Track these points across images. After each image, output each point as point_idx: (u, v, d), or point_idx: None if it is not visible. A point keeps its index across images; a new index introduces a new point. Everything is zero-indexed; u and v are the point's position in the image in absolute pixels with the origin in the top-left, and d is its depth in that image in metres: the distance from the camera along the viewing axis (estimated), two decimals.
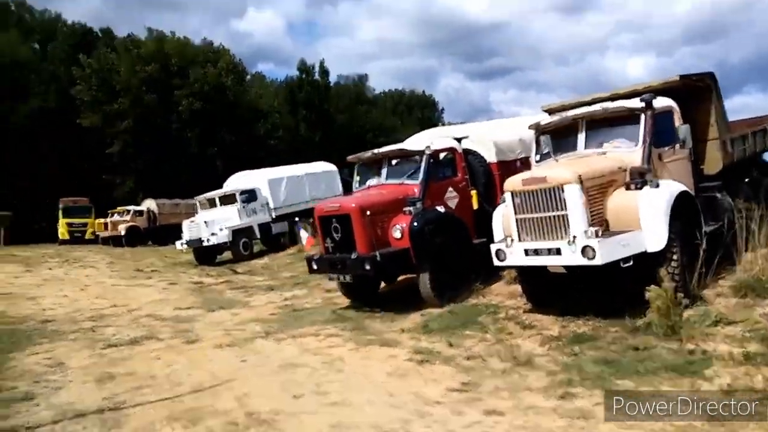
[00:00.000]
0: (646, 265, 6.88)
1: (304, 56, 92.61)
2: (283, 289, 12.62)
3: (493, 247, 7.60)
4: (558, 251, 6.91)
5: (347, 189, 11.13)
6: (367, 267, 8.66)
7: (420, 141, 10.73)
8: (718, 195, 8.32)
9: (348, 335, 8.04)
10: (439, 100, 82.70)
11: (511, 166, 10.62)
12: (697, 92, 8.25)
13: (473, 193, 10.17)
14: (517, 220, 7.36)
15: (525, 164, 12.14)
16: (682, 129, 7.60)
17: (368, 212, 8.96)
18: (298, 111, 47.86)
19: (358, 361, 6.77)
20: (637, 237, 6.79)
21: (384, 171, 10.26)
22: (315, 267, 9.62)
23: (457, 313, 8.50)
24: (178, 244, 20.21)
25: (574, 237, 6.75)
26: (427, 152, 9.71)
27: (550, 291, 8.18)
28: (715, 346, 5.90)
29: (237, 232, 19.33)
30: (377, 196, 9.56)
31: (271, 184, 20.39)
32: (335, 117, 51.57)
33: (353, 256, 8.83)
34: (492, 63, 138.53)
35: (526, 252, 7.21)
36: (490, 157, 10.72)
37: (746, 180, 9.56)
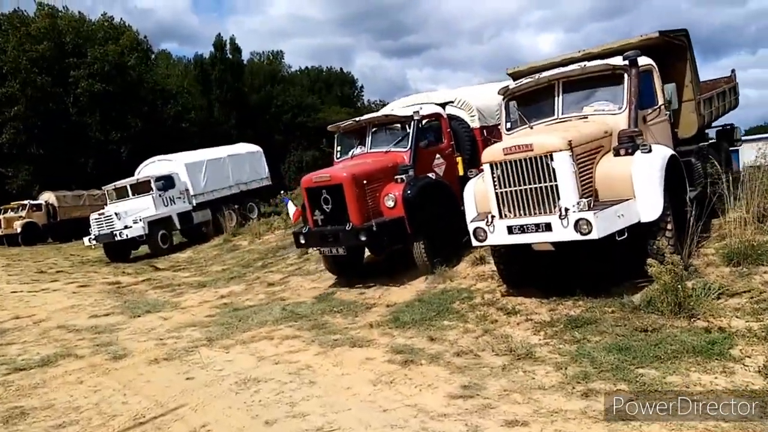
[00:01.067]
0: (635, 236, 6.27)
1: (211, 33, 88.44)
2: (217, 285, 11.28)
3: (471, 226, 6.76)
4: (548, 227, 6.16)
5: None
6: (363, 238, 8.34)
7: (401, 107, 10.31)
8: (693, 159, 7.88)
9: (308, 336, 6.98)
10: (357, 77, 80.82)
11: (494, 131, 10.47)
12: (672, 50, 7.72)
13: (458, 159, 9.87)
14: (498, 194, 6.54)
15: None
16: (668, 88, 7.03)
17: (362, 181, 8.62)
18: (212, 91, 45.13)
19: (331, 368, 5.73)
20: (632, 206, 6.15)
21: (368, 139, 9.87)
22: (303, 241, 9.13)
23: (426, 301, 7.64)
24: (86, 239, 18.12)
25: (566, 210, 6.02)
26: (416, 118, 9.33)
27: (527, 270, 7.49)
28: (728, 322, 5.37)
29: (154, 224, 17.54)
30: (368, 165, 9.10)
31: (189, 168, 18.64)
32: (250, 96, 49.24)
33: (347, 227, 8.43)
34: (407, 40, 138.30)
35: (510, 229, 6.42)
36: (473, 122, 10.57)
37: (708, 144, 9.24)
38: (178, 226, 18.24)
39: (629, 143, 6.43)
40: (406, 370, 5.46)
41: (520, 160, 6.27)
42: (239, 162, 20.45)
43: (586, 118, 6.97)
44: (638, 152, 6.30)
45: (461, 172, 9.70)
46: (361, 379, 5.33)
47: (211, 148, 21.92)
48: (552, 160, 6.11)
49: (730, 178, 8.14)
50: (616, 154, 6.44)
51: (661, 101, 7.25)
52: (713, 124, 10.01)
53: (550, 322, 6.15)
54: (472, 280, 8.29)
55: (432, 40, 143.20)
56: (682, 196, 6.88)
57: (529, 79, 7.58)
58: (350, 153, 10.13)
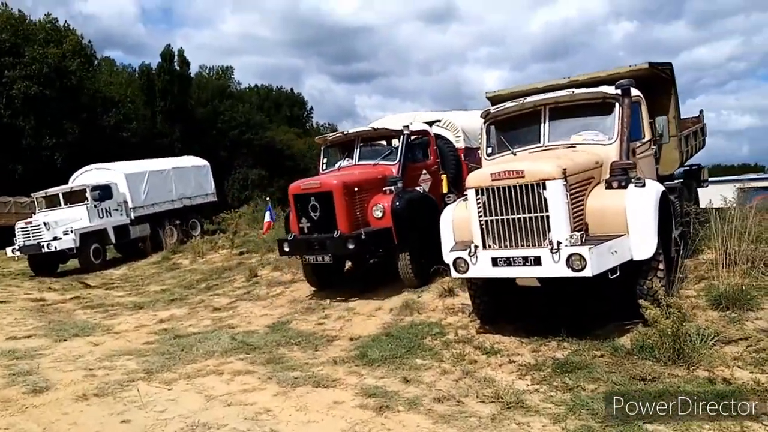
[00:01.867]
0: (622, 275, 5.86)
1: (158, 44, 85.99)
2: (156, 308, 10.25)
3: (450, 256, 6.19)
4: (537, 261, 5.66)
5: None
6: (351, 246, 8.26)
7: (387, 124, 10.38)
8: (673, 197, 7.63)
9: (263, 372, 6.18)
10: (307, 99, 79.95)
11: (476, 153, 10.71)
12: (658, 83, 7.50)
13: (443, 177, 9.97)
14: (482, 222, 6.02)
15: None
16: (661, 121, 6.76)
17: (352, 189, 8.59)
18: (156, 101, 43.32)
19: (294, 413, 4.97)
20: (625, 243, 5.74)
21: (356, 152, 9.87)
22: (287, 249, 8.95)
23: (395, 335, 6.98)
24: (9, 250, 16.53)
25: (558, 243, 5.55)
26: (406, 132, 9.38)
27: (503, 306, 7.00)
28: (731, 373, 4.96)
29: (86, 236, 16.16)
30: (358, 175, 9.07)
31: (129, 179, 17.40)
32: (196, 110, 47.64)
33: (335, 235, 8.38)
34: (358, 67, 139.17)
35: (495, 261, 5.89)
36: (458, 143, 10.80)
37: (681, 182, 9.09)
38: (113, 240, 16.90)
39: (622, 176, 6.07)
40: (382, 418, 4.77)
41: (509, 187, 5.79)
42: (184, 175, 19.33)
43: (574, 147, 6.59)
44: (631, 186, 5.93)
45: (445, 190, 9.83)
46: (332, 429, 4.60)
47: (155, 159, 20.70)
48: (544, 188, 5.65)
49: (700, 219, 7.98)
50: (608, 186, 6.06)
51: (647, 135, 6.98)
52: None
53: (536, 365, 5.61)
54: (442, 314, 7.71)
55: (382, 69, 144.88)
56: (669, 234, 6.57)
57: (513, 104, 7.17)
58: (337, 165, 10.03)
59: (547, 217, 5.66)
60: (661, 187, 6.22)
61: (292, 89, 73.21)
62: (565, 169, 5.67)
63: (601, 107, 6.67)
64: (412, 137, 9.58)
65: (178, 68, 46.54)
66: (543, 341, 6.16)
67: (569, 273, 5.50)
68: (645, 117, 6.95)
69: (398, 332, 7.07)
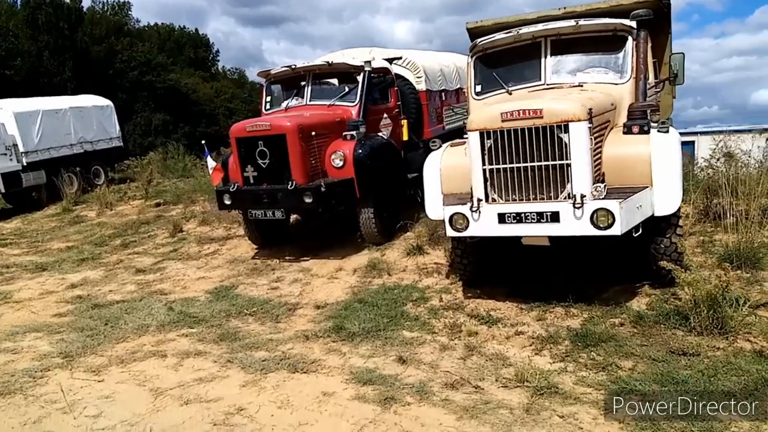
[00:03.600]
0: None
1: None
2: (63, 269, 8.61)
3: (446, 211, 5.21)
4: (554, 217, 4.81)
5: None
6: (308, 200, 7.17)
7: (341, 59, 8.99)
8: None
9: (219, 352, 5.02)
10: (213, 41, 74.71)
11: (438, 98, 10.16)
12: (657, 20, 6.72)
13: (404, 122, 8.88)
14: (487, 171, 5.07)
15: (447, 97, 10.53)
16: (677, 59, 5.99)
17: (309, 133, 7.39)
18: (41, 37, 38.56)
19: (277, 413, 3.90)
20: (647, 196, 5.00)
21: (307, 90, 8.55)
22: (229, 202, 7.68)
23: (369, 302, 5.99)
24: None
25: (582, 197, 4.71)
26: (368, 69, 8.21)
27: (488, 267, 6.20)
28: None
29: None
30: (314, 117, 7.80)
31: (19, 119, 14.85)
32: (90, 48, 43.08)
33: (290, 186, 7.17)
34: (265, 10, 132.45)
35: (502, 218, 4.98)
36: (419, 84, 9.63)
37: None
38: (2, 189, 14.50)
39: (642, 119, 5.28)
40: (391, 414, 3.81)
41: (523, 130, 4.85)
42: (84, 116, 16.88)
43: (582, 86, 5.73)
44: (654, 131, 5.16)
45: (405, 137, 8.81)
46: None
47: (49, 98, 18.04)
48: (566, 132, 4.75)
49: None
50: (627, 131, 5.25)
51: (651, 77, 6.23)
52: None
53: (550, 337, 4.83)
54: (414, 275, 6.80)
55: (291, 14, 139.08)
56: None
57: (505, 35, 6.17)
58: (283, 105, 8.64)
59: (567, 165, 4.80)
60: (677, 134, 5.50)
61: (196, 30, 68.21)
62: (591, 109, 4.80)
63: (611, 41, 5.82)
64: (373, 75, 8.36)
65: (68, 1, 41.70)
66: (546, 307, 5.40)
67: (593, 231, 4.70)
68: (649, 55, 6.19)
69: (372, 298, 6.08)
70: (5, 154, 14.40)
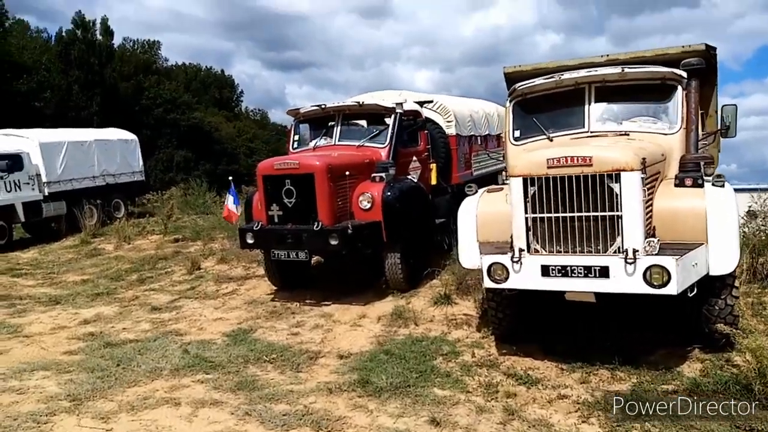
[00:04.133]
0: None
1: (78, 13, 79.83)
2: (77, 304, 8.36)
3: (484, 261, 4.89)
4: (603, 272, 4.48)
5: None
6: (334, 242, 6.86)
7: (374, 100, 8.78)
8: None
9: (236, 402, 4.67)
10: (237, 82, 76.05)
11: (467, 143, 10.06)
12: (705, 71, 6.51)
13: (433, 167, 8.75)
14: (530, 220, 4.77)
15: (475, 142, 10.44)
16: (729, 111, 5.73)
17: (338, 174, 7.18)
18: (72, 71, 39.49)
19: None
20: (703, 254, 4.66)
21: (337, 130, 8.42)
22: (252, 241, 7.40)
23: (396, 354, 5.63)
24: None
25: (635, 251, 4.38)
26: (399, 111, 8.08)
27: (523, 321, 5.84)
28: None
29: None
30: (344, 157, 7.62)
31: (44, 149, 14.90)
32: (119, 84, 44.01)
33: (315, 227, 6.91)
34: (290, 55, 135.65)
35: (546, 270, 4.66)
36: (449, 129, 9.49)
37: None
38: (22, 219, 14.43)
39: (695, 171, 4.99)
40: None
41: (570, 178, 4.57)
42: (108, 149, 16.95)
43: (628, 135, 5.47)
44: (708, 185, 4.86)
45: (434, 181, 8.67)
46: None
47: (75, 129, 18.22)
48: (617, 181, 4.47)
49: None
50: (680, 184, 4.95)
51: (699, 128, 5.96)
52: None
53: (597, 402, 4.43)
54: (443, 326, 6.44)
55: (314, 59, 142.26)
56: None
57: (546, 80, 5.97)
58: (312, 144, 8.47)
59: (618, 217, 4.49)
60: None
61: (222, 70, 69.72)
62: (644, 159, 4.53)
63: (659, 90, 5.59)
64: (404, 118, 8.20)
65: (100, 37, 42.92)
66: (589, 369, 5.01)
67: (647, 289, 4.36)
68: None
69: (399, 350, 5.72)
70: (28, 184, 14.38)
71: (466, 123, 9.90)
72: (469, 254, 5.50)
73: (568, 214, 4.63)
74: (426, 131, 8.69)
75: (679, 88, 5.46)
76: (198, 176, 38.21)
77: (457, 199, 9.33)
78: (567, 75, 5.86)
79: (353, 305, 7.30)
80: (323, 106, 8.46)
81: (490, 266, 4.84)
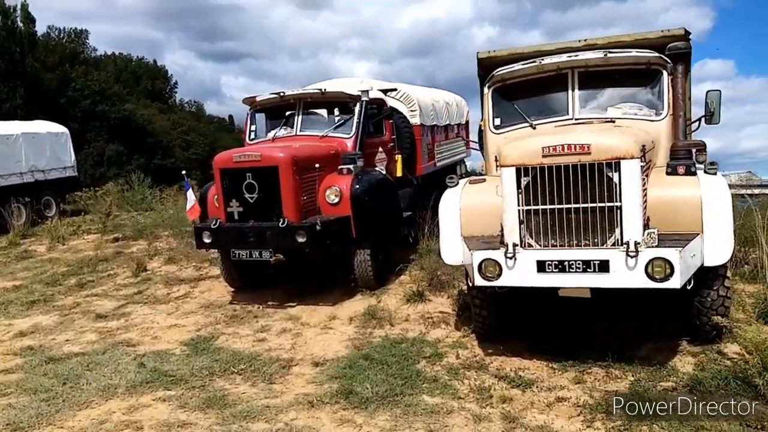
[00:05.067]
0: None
1: None
2: (10, 313, 7.54)
3: (477, 257, 4.55)
4: (603, 266, 4.24)
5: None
6: (301, 240, 6.36)
7: (338, 87, 8.28)
8: None
9: (207, 423, 4.18)
10: (171, 73, 72.94)
11: (429, 133, 9.73)
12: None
13: (398, 158, 8.41)
14: (523, 212, 4.48)
15: (438, 133, 10.13)
16: (714, 97, 5.59)
17: (304, 166, 6.70)
18: None
19: None
20: (698, 245, 4.49)
21: (298, 119, 7.92)
22: (209, 240, 6.82)
23: (376, 358, 5.24)
24: None
25: (636, 243, 4.16)
26: (365, 99, 7.71)
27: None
28: None
29: None
30: (309, 148, 7.14)
31: None
32: (43, 75, 41.42)
33: (281, 224, 6.38)
34: (225, 45, 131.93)
35: (542, 266, 4.38)
36: (413, 118, 9.12)
37: None
38: None
39: (687, 159, 4.83)
40: None
41: (567, 167, 4.30)
42: (37, 143, 15.69)
43: (613, 121, 5.27)
44: (701, 173, 4.70)
45: (399, 173, 8.26)
46: None
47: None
48: (616, 170, 4.23)
49: None
50: (672, 172, 4.77)
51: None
52: None
53: (599, 405, 4.18)
54: (419, 325, 6.12)
55: (251, 50, 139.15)
56: None
57: (526, 65, 5.70)
58: (270, 135, 7.91)
59: (617, 208, 4.25)
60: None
61: (155, 61, 66.89)
62: (644, 146, 4.31)
63: (644, 75, 5.42)
64: (369, 106, 7.79)
65: (22, 25, 40.21)
66: (581, 367, 4.79)
67: (648, 283, 4.14)
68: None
69: (378, 354, 5.33)
70: None
71: (429, 112, 9.59)
72: (451, 250, 5.16)
73: (564, 206, 4.37)
74: (391, 120, 8.29)
75: (665, 72, 5.30)
76: (131, 171, 36.54)
77: (422, 192, 9.08)
78: (548, 60, 5.60)
79: (320, 306, 6.87)
80: (282, 94, 7.93)
81: (481, 263, 4.52)
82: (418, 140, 9.01)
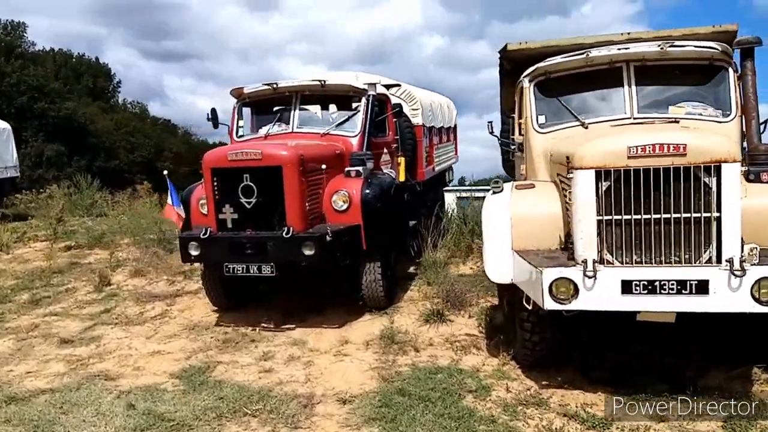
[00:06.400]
0: None
1: None
2: None
3: (547, 276, 3.86)
4: (701, 287, 3.63)
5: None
6: (309, 252, 5.47)
7: (338, 80, 7.38)
8: None
9: None
10: (114, 71, 69.57)
11: (428, 135, 8.98)
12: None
13: (401, 160, 7.55)
14: (603, 223, 3.84)
15: (439, 135, 9.53)
16: None
17: (311, 166, 5.86)
18: None
19: None
20: None
21: (294, 114, 6.99)
22: (197, 252, 5.83)
23: (413, 393, 4.48)
24: None
25: (741, 262, 3.57)
26: (372, 93, 6.82)
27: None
28: None
29: None
30: (315, 147, 6.28)
31: None
32: None
33: (285, 233, 5.48)
34: (168, 45, 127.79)
35: (628, 286, 3.74)
36: (415, 118, 8.33)
37: None
38: None
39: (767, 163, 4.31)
40: None
41: (658, 170, 3.68)
42: None
43: (678, 122, 4.71)
44: None
45: (402, 177, 7.51)
46: None
47: None
48: (715, 175, 3.64)
49: None
50: (756, 179, 4.24)
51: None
52: None
53: None
54: (447, 351, 5.41)
55: (196, 50, 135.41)
56: None
57: (572, 57, 5.10)
58: (262, 131, 7.01)
59: (716, 219, 3.67)
60: None
61: (97, 58, 63.83)
62: (744, 148, 3.74)
63: (705, 71, 4.89)
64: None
65: None
66: (654, 399, 4.16)
67: (755, 308, 3.57)
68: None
69: (413, 387, 4.58)
70: None
71: (428, 113, 8.91)
72: (499, 266, 4.48)
73: (652, 216, 3.75)
74: (395, 119, 7.54)
75: (730, 69, 4.79)
76: (72, 173, 34.51)
77: (422, 199, 8.38)
78: (596, 52, 5.01)
79: (325, 328, 6.06)
80: (275, 86, 7.04)
81: (553, 283, 3.84)
82: (420, 142, 8.32)
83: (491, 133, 6.18)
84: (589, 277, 3.77)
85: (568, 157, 3.94)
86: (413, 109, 8.34)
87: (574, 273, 3.80)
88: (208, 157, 5.89)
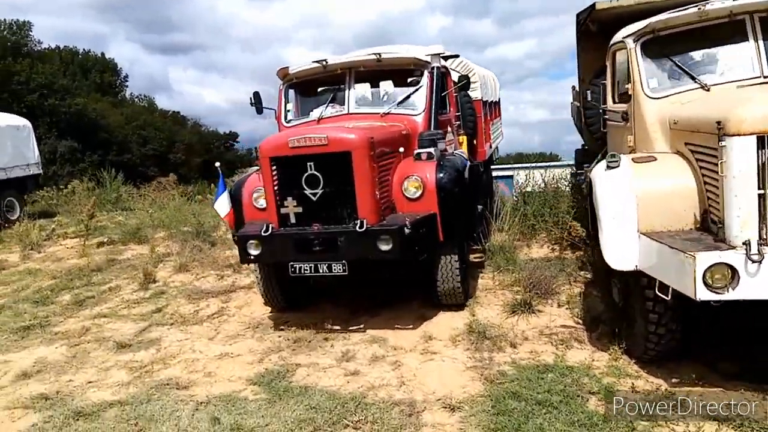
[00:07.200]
0: None
1: None
2: (2, 345, 5.94)
3: (702, 261, 3.31)
4: None
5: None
6: (386, 247, 4.87)
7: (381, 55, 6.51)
8: None
9: None
10: (121, 66, 68.94)
11: (487, 110, 8.33)
12: None
13: (462, 139, 6.91)
14: (764, 198, 3.29)
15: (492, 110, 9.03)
16: None
17: (381, 151, 5.22)
18: None
19: None
20: None
21: (349, 94, 6.32)
22: (257, 252, 5.21)
23: (526, 396, 3.98)
24: None
25: None
26: (435, 65, 6.16)
27: None
28: None
29: None
30: (382, 129, 5.62)
31: None
32: None
33: (359, 227, 4.90)
34: (173, 37, 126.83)
35: None
36: (474, 92, 7.66)
37: None
38: None
39: None
40: None
41: None
42: None
43: None
44: None
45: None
46: None
47: None
48: None
49: None
50: None
51: None
52: None
53: None
54: (547, 345, 4.90)
55: (201, 42, 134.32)
56: None
57: (685, 11, 4.51)
58: (314, 114, 6.39)
59: None
60: None
61: (103, 54, 63.29)
62: None
63: None
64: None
65: None
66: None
67: None
68: None
69: (525, 390, 4.07)
70: None
71: (483, 86, 8.29)
72: (622, 250, 3.95)
73: None
74: (455, 94, 6.93)
75: None
76: (85, 168, 34.17)
77: (483, 181, 7.82)
78: (712, 5, 4.43)
79: (402, 323, 5.56)
80: (325, 63, 6.40)
81: (708, 270, 3.30)
82: (479, 118, 7.70)
83: (575, 101, 5.62)
84: (754, 261, 3.23)
85: (719, 122, 3.37)
86: (472, 83, 7.72)
87: (734, 257, 3.27)
88: (266, 144, 5.29)
